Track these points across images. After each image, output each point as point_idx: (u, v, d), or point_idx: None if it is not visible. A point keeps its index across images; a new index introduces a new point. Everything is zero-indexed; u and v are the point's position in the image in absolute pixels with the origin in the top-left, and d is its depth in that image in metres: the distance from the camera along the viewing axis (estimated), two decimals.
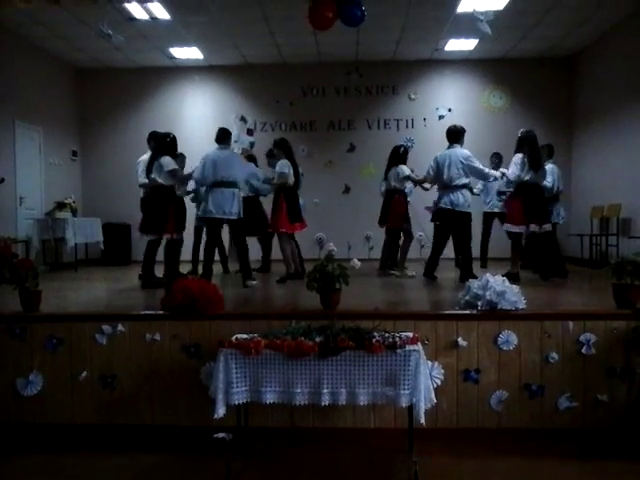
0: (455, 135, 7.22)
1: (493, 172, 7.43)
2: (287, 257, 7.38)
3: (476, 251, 9.15)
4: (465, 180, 7.08)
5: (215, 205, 6.74)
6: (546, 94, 11.17)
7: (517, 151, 7.02)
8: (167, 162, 6.67)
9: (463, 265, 7.10)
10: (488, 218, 9.28)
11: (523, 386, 4.17)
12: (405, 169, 7.85)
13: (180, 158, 7.45)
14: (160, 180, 6.66)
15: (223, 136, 7.02)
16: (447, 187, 7.07)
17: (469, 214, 7.10)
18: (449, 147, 7.21)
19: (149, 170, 6.75)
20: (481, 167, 7.19)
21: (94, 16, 8.20)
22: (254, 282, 6.84)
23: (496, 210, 9.07)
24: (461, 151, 7.14)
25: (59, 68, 10.95)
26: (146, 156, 7.30)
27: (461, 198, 7.02)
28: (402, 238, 8.20)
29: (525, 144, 6.97)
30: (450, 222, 7.11)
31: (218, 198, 6.74)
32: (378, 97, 11.47)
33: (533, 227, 6.92)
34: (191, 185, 7.83)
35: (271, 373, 3.63)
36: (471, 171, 7.11)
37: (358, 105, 11.42)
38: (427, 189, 8.18)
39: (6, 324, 4.37)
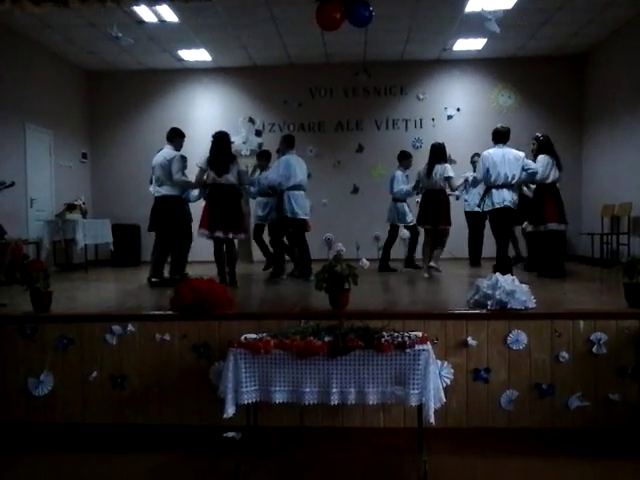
0: (505, 135, 7.10)
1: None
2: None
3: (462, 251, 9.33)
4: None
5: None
6: (555, 93, 11.11)
7: (539, 153, 7.34)
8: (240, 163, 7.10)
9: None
10: (470, 218, 9.28)
11: (533, 385, 4.15)
12: (451, 169, 7.72)
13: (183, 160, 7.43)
14: (233, 180, 6.73)
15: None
16: (500, 186, 6.92)
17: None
18: (499, 146, 7.05)
19: (225, 170, 6.65)
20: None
21: (104, 19, 8.26)
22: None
23: (477, 209, 9.03)
24: (516, 152, 7.10)
25: (69, 71, 11.02)
26: (171, 152, 7.15)
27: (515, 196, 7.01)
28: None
29: (548, 147, 7.34)
30: (509, 219, 6.99)
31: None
32: (386, 97, 11.45)
33: (556, 225, 7.22)
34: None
35: (280, 373, 3.64)
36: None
37: (366, 105, 11.41)
38: (458, 196, 8.48)
39: (17, 324, 4.41)
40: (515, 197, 6.94)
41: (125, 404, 4.34)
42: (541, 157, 7.30)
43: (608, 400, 4.11)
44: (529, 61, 11.05)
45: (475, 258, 9.26)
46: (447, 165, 7.65)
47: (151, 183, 7.62)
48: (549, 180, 7.28)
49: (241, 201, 6.97)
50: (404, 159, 8.80)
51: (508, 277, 4.35)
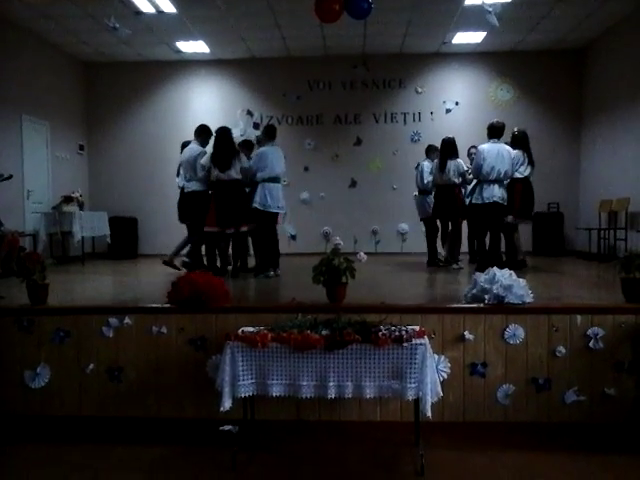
0: (500, 131, 7.20)
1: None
2: None
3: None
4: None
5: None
6: (554, 87, 11.09)
7: (513, 148, 7.35)
8: (244, 159, 7.18)
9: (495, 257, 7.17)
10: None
11: (530, 380, 4.15)
12: (464, 164, 7.70)
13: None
14: (236, 175, 6.99)
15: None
16: (492, 181, 7.02)
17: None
18: (493, 141, 7.14)
19: (227, 166, 6.89)
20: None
21: (101, 10, 8.21)
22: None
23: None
24: (508, 148, 7.21)
25: (66, 62, 10.96)
26: (197, 148, 7.38)
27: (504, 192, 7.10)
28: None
29: (523, 142, 7.41)
30: (498, 215, 7.10)
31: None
32: (385, 91, 11.43)
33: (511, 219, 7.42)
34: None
35: (277, 366, 3.63)
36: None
37: (365, 99, 11.39)
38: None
39: (14, 317, 4.39)
40: (504, 193, 7.04)
41: (122, 397, 4.34)
42: (513, 152, 7.34)
43: (604, 395, 4.12)
44: (528, 55, 11.03)
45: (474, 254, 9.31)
46: (460, 160, 7.64)
47: (177, 175, 7.99)
48: (518, 175, 7.35)
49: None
50: (432, 152, 8.49)
51: (505, 271, 4.34)
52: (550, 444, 3.98)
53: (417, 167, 8.76)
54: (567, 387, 4.13)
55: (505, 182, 7.15)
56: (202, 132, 7.51)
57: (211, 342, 4.24)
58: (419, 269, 7.98)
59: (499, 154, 6.94)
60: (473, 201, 7.13)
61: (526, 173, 7.39)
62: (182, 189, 7.61)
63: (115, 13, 8.04)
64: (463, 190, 9.25)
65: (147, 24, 9.34)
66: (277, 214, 7.30)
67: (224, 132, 7.02)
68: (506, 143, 7.33)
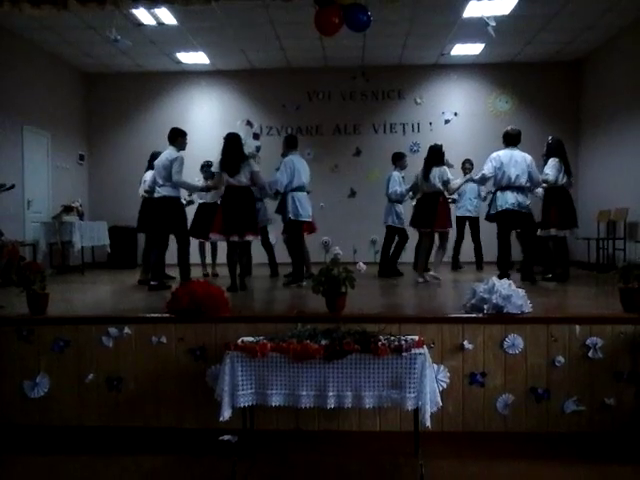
0: (516, 138, 7.18)
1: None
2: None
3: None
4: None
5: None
6: (552, 98, 11.15)
7: (548, 156, 7.29)
8: (254, 164, 7.00)
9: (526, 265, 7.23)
10: (461, 222, 9.49)
11: (529, 390, 4.15)
12: (448, 172, 7.56)
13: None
14: (246, 181, 6.76)
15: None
16: (506, 188, 7.01)
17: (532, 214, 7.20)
18: (510, 148, 7.12)
19: (237, 170, 6.70)
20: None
21: (102, 22, 8.26)
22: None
23: (467, 214, 9.44)
24: (524, 154, 7.16)
25: (67, 73, 11.02)
26: (173, 153, 7.10)
27: (527, 199, 7.09)
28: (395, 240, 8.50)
29: (558, 151, 7.28)
30: (515, 223, 7.09)
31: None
32: (384, 101, 11.48)
33: (554, 231, 7.24)
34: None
35: (277, 376, 3.64)
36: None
37: (364, 109, 11.44)
38: (455, 200, 8.51)
39: (14, 326, 4.40)
40: (522, 199, 6.97)
41: (121, 406, 4.33)
42: (550, 161, 7.26)
43: (604, 405, 4.12)
44: (526, 67, 11.10)
45: (456, 262, 9.51)
46: (445, 168, 7.52)
47: (140, 184, 8.00)
48: (558, 184, 7.20)
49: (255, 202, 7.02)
50: (398, 160, 8.65)
51: (504, 281, 4.36)
52: (549, 454, 3.98)
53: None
54: (566, 397, 4.14)
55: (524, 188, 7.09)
56: (176, 135, 7.11)
57: (210, 352, 4.24)
58: (414, 279, 7.97)
59: (512, 160, 6.94)
60: (491, 211, 7.21)
61: (563, 182, 7.20)
62: (146, 197, 7.60)
63: (116, 25, 8.09)
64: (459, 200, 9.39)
65: (148, 36, 9.41)
66: (311, 222, 7.60)
67: (234, 137, 6.92)
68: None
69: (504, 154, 7.03)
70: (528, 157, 7.06)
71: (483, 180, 7.48)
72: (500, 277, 6.59)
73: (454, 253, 9.54)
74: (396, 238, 8.69)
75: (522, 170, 6.94)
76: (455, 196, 8.76)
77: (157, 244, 7.09)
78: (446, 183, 7.44)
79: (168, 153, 7.05)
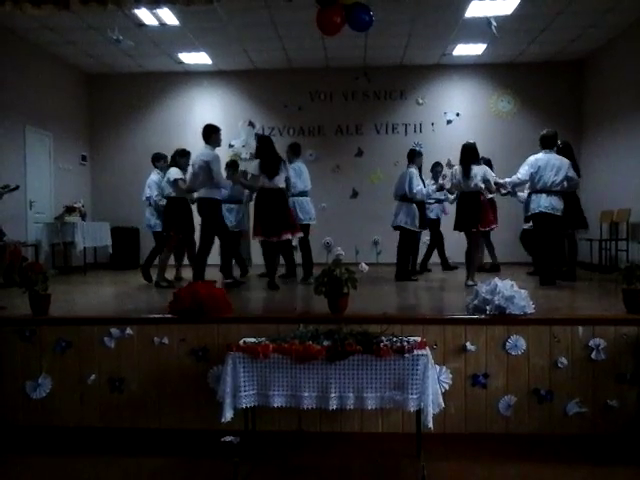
0: (552, 140, 7.18)
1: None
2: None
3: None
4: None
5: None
6: (554, 99, 11.13)
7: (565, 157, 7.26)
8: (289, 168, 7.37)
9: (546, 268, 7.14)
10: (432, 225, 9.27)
11: (532, 391, 4.15)
12: (490, 170, 7.38)
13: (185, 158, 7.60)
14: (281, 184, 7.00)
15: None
16: (540, 191, 7.01)
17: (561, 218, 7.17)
18: (546, 151, 7.12)
19: (276, 172, 6.90)
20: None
21: (104, 22, 8.27)
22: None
23: (432, 216, 9.23)
24: (561, 157, 7.15)
25: (69, 74, 11.03)
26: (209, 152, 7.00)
27: (560, 202, 7.06)
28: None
29: (568, 154, 7.35)
30: (549, 226, 7.03)
31: None
32: (386, 102, 11.47)
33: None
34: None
35: (279, 377, 3.63)
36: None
37: (366, 110, 11.43)
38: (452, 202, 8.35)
39: (16, 327, 4.40)
40: (555, 203, 6.96)
41: (123, 407, 4.33)
42: (566, 161, 7.19)
43: (607, 406, 4.11)
44: (528, 66, 11.08)
45: (425, 264, 9.40)
46: (485, 166, 7.32)
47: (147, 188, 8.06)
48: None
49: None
50: (416, 157, 8.12)
51: (507, 282, 4.35)
52: (552, 456, 3.97)
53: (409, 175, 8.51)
54: (569, 398, 4.13)
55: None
56: (210, 132, 6.98)
57: (213, 353, 4.24)
58: (421, 279, 7.97)
59: (549, 164, 6.95)
60: (527, 214, 7.26)
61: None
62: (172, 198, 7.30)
63: (118, 25, 8.10)
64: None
65: (150, 36, 9.41)
66: (309, 225, 7.96)
67: (269, 140, 7.16)
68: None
69: (541, 158, 7.03)
70: (565, 161, 7.06)
71: (519, 184, 7.36)
72: (543, 284, 6.83)
73: (441, 254, 9.49)
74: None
75: (559, 174, 6.94)
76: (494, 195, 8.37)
77: (205, 245, 7.03)
78: (488, 182, 7.18)
79: (204, 154, 6.92)
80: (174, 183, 7.20)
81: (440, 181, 8.47)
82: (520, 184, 7.35)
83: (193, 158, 7.23)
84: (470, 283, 6.73)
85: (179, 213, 7.23)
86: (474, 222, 7.01)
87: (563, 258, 7.68)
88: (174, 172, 7.29)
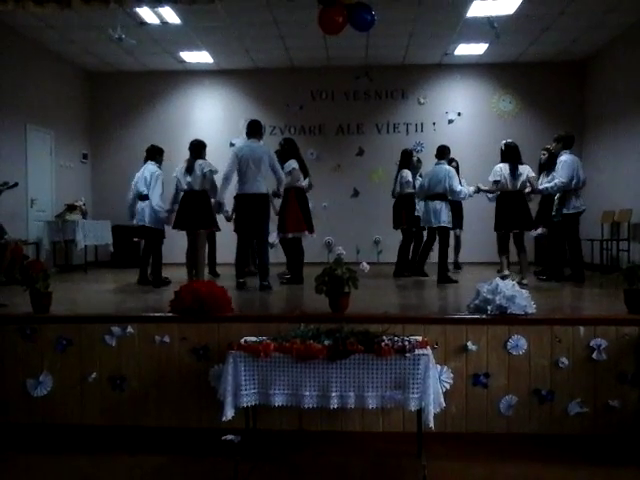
0: (573, 140, 7.39)
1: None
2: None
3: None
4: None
5: None
6: (556, 99, 11.12)
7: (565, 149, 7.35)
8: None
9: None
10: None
11: (533, 391, 4.14)
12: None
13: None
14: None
15: None
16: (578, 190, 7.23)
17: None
18: (571, 151, 7.30)
19: (307, 174, 7.46)
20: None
21: (106, 21, 8.26)
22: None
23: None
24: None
25: (70, 72, 11.03)
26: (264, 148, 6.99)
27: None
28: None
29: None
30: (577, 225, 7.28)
31: None
32: (387, 101, 11.46)
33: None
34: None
35: (280, 376, 3.63)
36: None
37: (367, 109, 11.42)
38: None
39: (17, 325, 4.40)
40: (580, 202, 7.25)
41: (124, 406, 4.33)
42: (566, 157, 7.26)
43: (608, 406, 4.11)
44: (530, 67, 11.07)
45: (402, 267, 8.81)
46: (527, 166, 7.15)
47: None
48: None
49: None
50: (448, 153, 7.85)
51: (508, 282, 4.35)
52: (553, 456, 3.97)
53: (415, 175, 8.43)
54: (570, 398, 4.12)
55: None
56: (259, 128, 6.99)
57: (214, 351, 4.24)
58: (421, 280, 7.97)
59: (579, 163, 7.17)
60: (569, 211, 7.26)
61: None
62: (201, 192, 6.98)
63: (120, 24, 8.09)
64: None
65: (151, 35, 9.41)
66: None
67: (294, 141, 7.62)
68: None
69: (575, 158, 7.21)
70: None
71: (561, 189, 7.27)
72: (578, 281, 7.02)
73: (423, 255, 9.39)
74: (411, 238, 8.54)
75: (582, 174, 7.16)
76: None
77: (243, 241, 7.09)
78: (532, 180, 7.09)
79: (262, 148, 6.86)
80: (225, 179, 6.84)
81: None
82: (565, 188, 7.22)
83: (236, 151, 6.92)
84: (525, 282, 6.60)
85: (209, 207, 7.03)
86: (524, 223, 7.00)
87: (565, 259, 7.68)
88: (207, 164, 6.94)
